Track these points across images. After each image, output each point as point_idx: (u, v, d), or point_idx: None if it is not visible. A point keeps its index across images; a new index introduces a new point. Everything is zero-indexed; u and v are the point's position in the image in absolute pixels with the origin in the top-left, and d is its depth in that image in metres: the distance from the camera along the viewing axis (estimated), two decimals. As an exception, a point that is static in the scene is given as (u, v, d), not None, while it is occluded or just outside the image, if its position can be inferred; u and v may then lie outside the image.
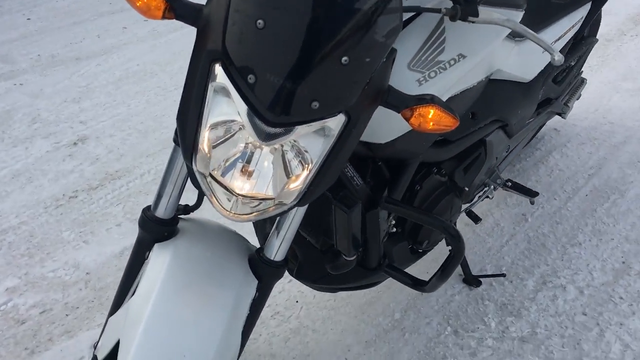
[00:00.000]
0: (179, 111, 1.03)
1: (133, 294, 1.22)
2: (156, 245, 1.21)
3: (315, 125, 0.97)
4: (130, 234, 2.39)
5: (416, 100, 1.02)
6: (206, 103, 0.98)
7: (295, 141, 0.99)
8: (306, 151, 1.01)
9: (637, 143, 3.03)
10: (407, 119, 1.04)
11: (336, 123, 0.98)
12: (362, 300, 2.13)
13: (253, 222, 1.73)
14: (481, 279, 2.21)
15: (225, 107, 0.97)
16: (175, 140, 1.19)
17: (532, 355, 1.95)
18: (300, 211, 1.21)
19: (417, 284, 1.52)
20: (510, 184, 2.11)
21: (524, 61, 1.79)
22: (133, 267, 1.28)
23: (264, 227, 1.66)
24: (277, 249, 1.25)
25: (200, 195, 1.34)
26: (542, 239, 2.42)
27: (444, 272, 1.42)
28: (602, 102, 3.35)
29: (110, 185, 2.69)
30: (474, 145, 1.71)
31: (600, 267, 2.30)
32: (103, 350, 1.22)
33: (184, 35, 4.28)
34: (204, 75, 0.97)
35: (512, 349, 1.97)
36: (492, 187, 2.06)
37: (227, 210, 1.04)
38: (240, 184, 1.01)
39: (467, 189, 1.77)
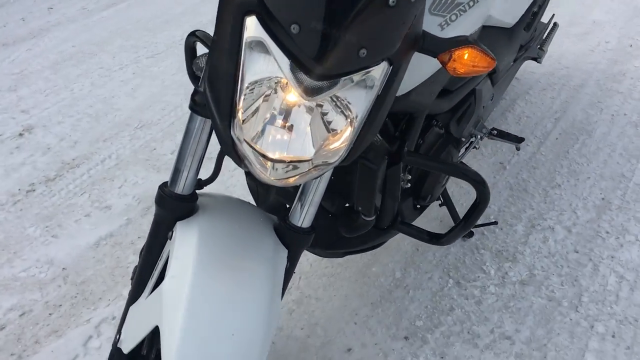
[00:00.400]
0: (209, 75, 0.93)
1: (159, 277, 1.12)
2: (179, 224, 1.11)
3: (359, 75, 0.90)
4: (102, 224, 2.23)
5: (453, 43, 0.96)
6: (241, 62, 0.88)
7: (337, 96, 0.91)
8: (349, 105, 0.93)
9: (595, 85, 3.12)
10: (445, 64, 0.98)
11: (380, 72, 0.91)
12: (359, 264, 2.08)
13: (251, 189, 1.65)
14: (473, 230, 2.21)
15: (263, 63, 0.87)
16: (193, 109, 1.08)
17: (535, 297, 1.97)
18: (327, 174, 1.14)
19: (433, 238, 1.48)
20: (495, 132, 2.10)
21: (509, 6, 1.76)
22: (153, 249, 1.17)
23: (266, 196, 1.58)
24: (304, 215, 1.17)
25: (217, 168, 1.23)
26: (523, 185, 2.45)
27: (468, 221, 1.38)
28: (555, 48, 3.41)
29: (70, 174, 2.49)
30: (466, 95, 1.69)
31: (583, 205, 2.35)
32: (130, 342, 1.12)
33: (118, 13, 4.03)
34: (236, 31, 0.86)
35: (514, 293, 1.99)
36: (479, 136, 2.05)
37: (267, 176, 0.95)
38: (277, 148, 0.92)
39: (463, 139, 1.75)
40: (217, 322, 0.98)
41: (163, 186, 1.15)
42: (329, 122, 0.94)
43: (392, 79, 0.94)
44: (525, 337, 1.85)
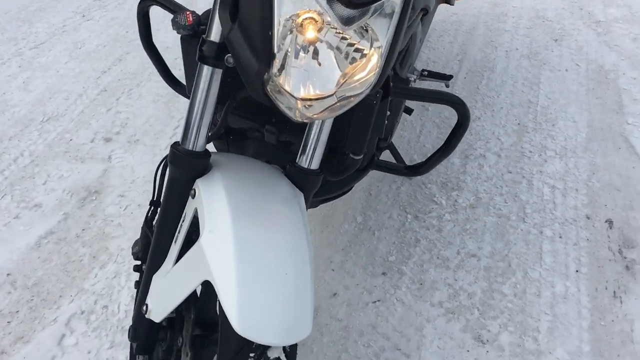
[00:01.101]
0: (240, 17, 0.90)
1: (185, 237, 1.07)
2: (200, 181, 1.06)
3: (385, 1, 0.91)
4: (37, 223, 2.04)
5: None
6: None
7: (367, 24, 0.93)
8: (375, 33, 0.95)
9: (484, 27, 3.36)
10: None
11: None
12: (320, 216, 2.10)
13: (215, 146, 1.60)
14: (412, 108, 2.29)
15: None
16: (202, 59, 1.03)
17: (486, 216, 2.13)
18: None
19: (412, 170, 1.54)
20: (426, 72, 2.21)
21: None
22: (173, 211, 1.11)
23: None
24: (313, 157, 1.16)
25: (223, 121, 1.19)
26: (447, 122, 2.60)
27: (449, 145, 1.44)
28: (440, -2, 3.63)
29: (-20, 179, 2.24)
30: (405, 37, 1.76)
31: (504, 132, 2.55)
32: (163, 309, 1.07)
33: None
34: None
35: (467, 217, 2.12)
36: (413, 79, 2.14)
37: (298, 114, 0.94)
38: (306, 83, 0.92)
39: (410, 79, 1.82)
40: (269, 264, 0.96)
41: (175, 145, 1.09)
42: (357, 53, 0.94)
43: (408, 4, 0.96)
44: (488, 252, 1.99)
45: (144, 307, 1.14)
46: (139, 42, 1.50)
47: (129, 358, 1.35)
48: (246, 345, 0.96)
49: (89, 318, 1.73)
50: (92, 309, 1.75)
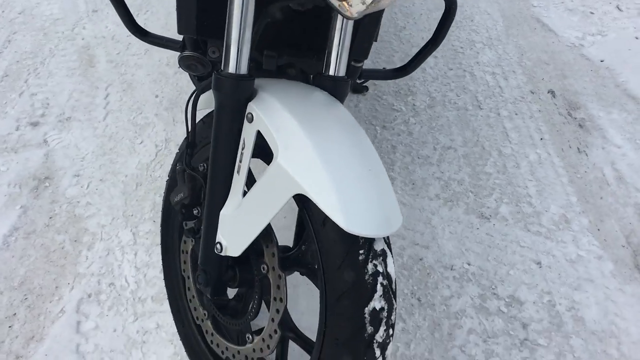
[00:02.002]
0: None
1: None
2: (253, 104, 1.02)
3: None
4: (-7, 223, 1.82)
5: None
6: None
7: None
8: None
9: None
10: None
11: None
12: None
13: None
14: (365, 85, 2.34)
15: None
16: None
17: (446, 112, 2.22)
18: (351, 22, 1.13)
19: (399, 71, 1.57)
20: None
21: None
22: (228, 140, 1.04)
23: None
24: (339, 64, 1.13)
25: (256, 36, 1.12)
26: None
27: (438, 36, 1.45)
28: None
29: None
30: None
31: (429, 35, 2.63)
32: (242, 242, 1.04)
33: None
34: None
35: (430, 116, 2.20)
36: None
37: (349, 6, 0.91)
38: None
39: None
40: (352, 165, 0.96)
41: (218, 72, 1.02)
42: None
43: None
44: (461, 142, 2.09)
45: (217, 246, 1.08)
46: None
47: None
48: (353, 244, 0.94)
49: (99, 299, 1.59)
50: (99, 290, 1.62)
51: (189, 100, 1.14)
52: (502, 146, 2.06)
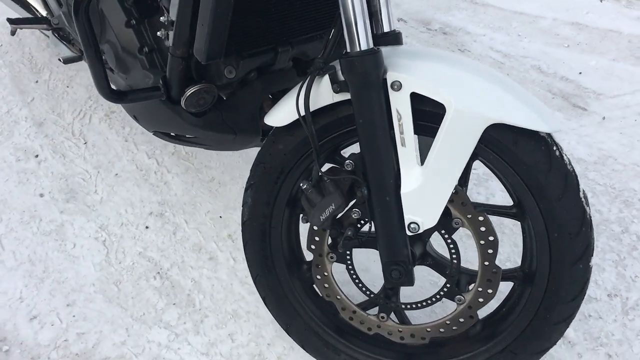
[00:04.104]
0: None
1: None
2: (392, 72, 0.98)
3: None
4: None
5: None
6: None
7: None
8: None
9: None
10: None
11: None
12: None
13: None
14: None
15: None
16: None
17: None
18: None
19: None
20: None
21: None
22: (378, 116, 0.99)
23: None
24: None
25: None
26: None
27: None
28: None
29: None
30: None
31: None
32: (435, 214, 1.04)
33: None
34: None
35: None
36: None
37: None
38: None
39: None
40: (504, 81, 1.01)
41: (345, 54, 0.97)
42: None
43: None
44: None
45: (413, 227, 1.03)
46: None
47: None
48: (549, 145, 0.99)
49: None
50: None
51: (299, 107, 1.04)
52: None
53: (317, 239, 1.17)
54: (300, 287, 1.27)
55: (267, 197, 1.18)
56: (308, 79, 1.03)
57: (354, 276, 1.20)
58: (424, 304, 1.17)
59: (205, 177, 1.87)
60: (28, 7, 1.84)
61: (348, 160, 1.05)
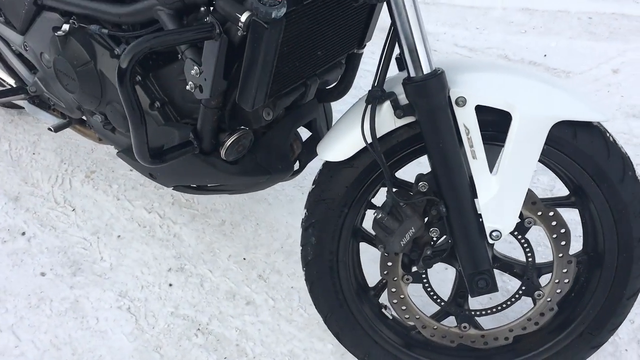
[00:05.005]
0: None
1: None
2: (456, 88, 1.02)
3: None
4: None
5: None
6: None
7: None
8: None
9: None
10: None
11: None
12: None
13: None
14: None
15: None
16: None
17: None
18: None
19: None
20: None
21: None
22: (447, 135, 1.02)
23: None
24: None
25: None
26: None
27: None
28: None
29: None
30: None
31: None
32: (512, 216, 1.07)
33: None
34: None
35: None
36: None
37: None
38: None
39: None
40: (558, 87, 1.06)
41: (410, 80, 1.00)
42: None
43: None
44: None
45: (495, 234, 1.05)
46: None
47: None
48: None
49: None
50: None
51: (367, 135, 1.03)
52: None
53: (389, 264, 1.16)
54: (371, 313, 1.26)
55: (332, 233, 1.17)
56: (369, 108, 1.03)
57: (432, 293, 1.21)
58: (504, 306, 1.20)
59: (215, 221, 1.81)
60: (-6, 80, 1.71)
61: (421, 182, 1.06)
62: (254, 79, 1.03)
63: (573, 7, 2.38)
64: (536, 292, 1.16)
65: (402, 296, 1.19)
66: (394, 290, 1.19)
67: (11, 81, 1.68)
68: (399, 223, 1.06)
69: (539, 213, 1.10)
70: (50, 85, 1.54)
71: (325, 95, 1.40)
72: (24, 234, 1.82)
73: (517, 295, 1.18)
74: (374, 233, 1.12)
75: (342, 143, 1.09)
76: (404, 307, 1.20)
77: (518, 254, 1.26)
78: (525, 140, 1.01)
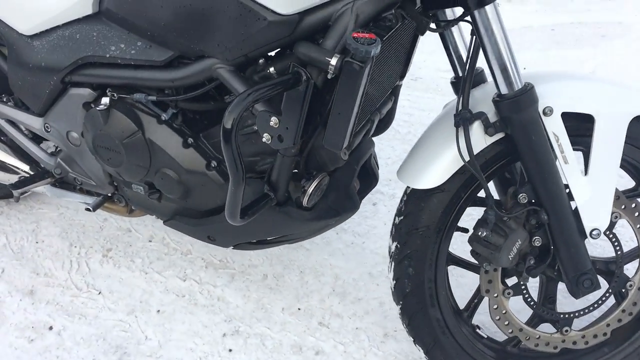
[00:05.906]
0: None
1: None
2: (543, 99, 1.07)
3: None
4: None
5: None
6: None
7: None
8: None
9: None
10: None
11: None
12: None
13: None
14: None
15: None
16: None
17: None
18: None
19: None
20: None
21: None
22: (541, 145, 1.06)
23: None
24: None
25: None
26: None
27: None
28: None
29: None
30: None
31: None
32: (606, 212, 1.11)
33: None
34: None
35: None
36: None
37: None
38: None
39: None
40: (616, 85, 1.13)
41: (502, 98, 1.04)
42: None
43: None
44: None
45: (594, 233, 1.10)
46: None
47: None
48: None
49: None
50: None
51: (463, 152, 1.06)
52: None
53: (490, 281, 1.17)
54: (470, 335, 1.26)
55: (429, 261, 1.17)
56: (462, 130, 1.06)
57: (532, 303, 1.22)
58: (599, 302, 1.23)
59: (256, 277, 1.76)
60: (6, 169, 1.60)
61: (521, 195, 1.08)
62: (347, 120, 1.03)
63: (535, 21, 2.55)
64: (628, 283, 1.21)
65: (504, 311, 1.20)
66: (495, 307, 1.20)
67: (25, 167, 1.59)
68: (504, 238, 1.08)
69: (623, 207, 1.15)
70: (77, 164, 1.47)
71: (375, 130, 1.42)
72: (51, 328, 1.69)
73: (609, 291, 1.22)
74: (475, 253, 1.13)
75: (435, 169, 1.10)
76: (506, 322, 1.21)
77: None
78: (610, 139, 1.06)
